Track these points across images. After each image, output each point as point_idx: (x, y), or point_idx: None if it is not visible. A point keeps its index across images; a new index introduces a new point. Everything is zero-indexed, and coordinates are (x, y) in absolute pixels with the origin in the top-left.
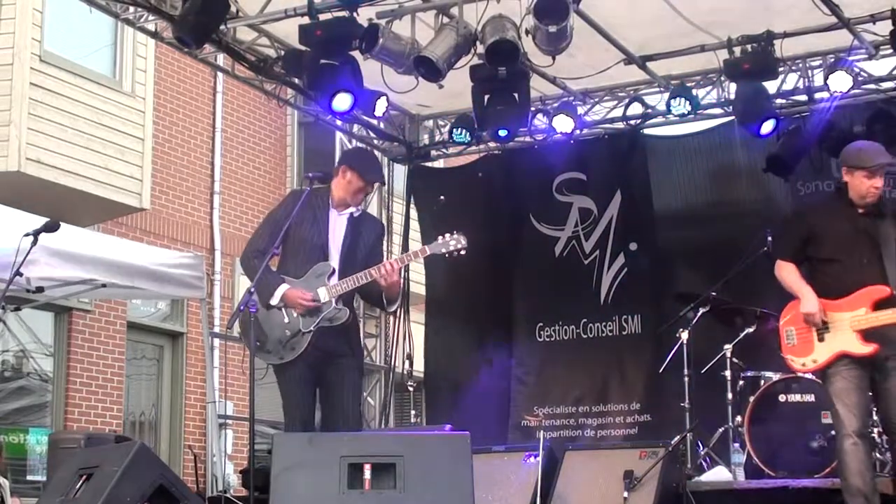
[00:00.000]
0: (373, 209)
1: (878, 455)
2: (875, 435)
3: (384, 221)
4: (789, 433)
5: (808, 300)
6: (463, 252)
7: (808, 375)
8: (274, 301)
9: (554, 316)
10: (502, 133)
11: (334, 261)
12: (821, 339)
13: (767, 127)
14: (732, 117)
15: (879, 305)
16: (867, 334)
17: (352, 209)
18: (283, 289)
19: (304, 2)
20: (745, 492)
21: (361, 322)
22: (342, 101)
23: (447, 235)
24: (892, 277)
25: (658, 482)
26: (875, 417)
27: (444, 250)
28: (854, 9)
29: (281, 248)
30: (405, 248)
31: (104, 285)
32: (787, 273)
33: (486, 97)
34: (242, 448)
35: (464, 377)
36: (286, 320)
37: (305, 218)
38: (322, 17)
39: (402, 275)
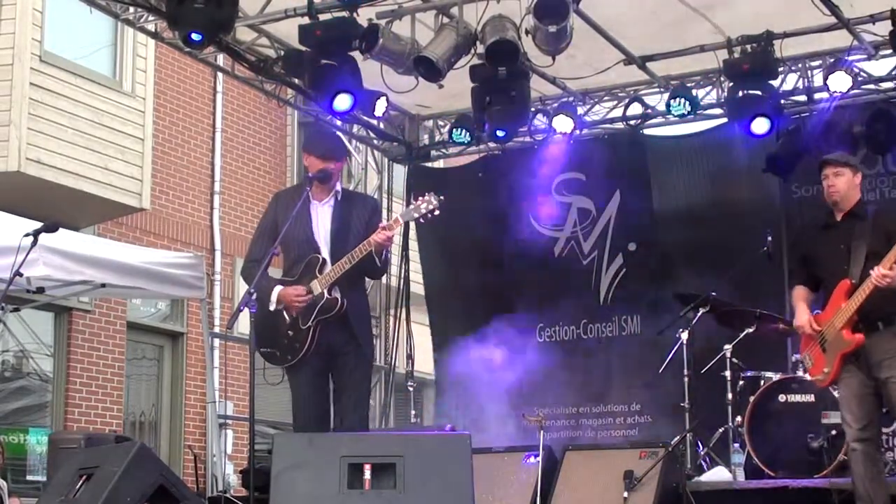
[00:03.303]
0: None
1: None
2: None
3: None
4: (789, 433)
5: (797, 315)
6: (437, 212)
7: (808, 376)
8: (272, 305)
9: (554, 316)
10: (500, 134)
11: (324, 251)
12: (824, 351)
13: (760, 126)
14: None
15: (849, 297)
16: (853, 327)
17: (334, 193)
18: (277, 290)
19: (304, 2)
20: (745, 492)
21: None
22: (342, 102)
23: (418, 199)
24: (853, 271)
25: (658, 482)
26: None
27: (416, 215)
28: (854, 9)
29: (281, 253)
30: (405, 247)
31: (104, 285)
32: (793, 294)
33: (486, 97)
34: (242, 448)
35: (464, 378)
36: (288, 321)
37: (289, 217)
38: (322, 17)
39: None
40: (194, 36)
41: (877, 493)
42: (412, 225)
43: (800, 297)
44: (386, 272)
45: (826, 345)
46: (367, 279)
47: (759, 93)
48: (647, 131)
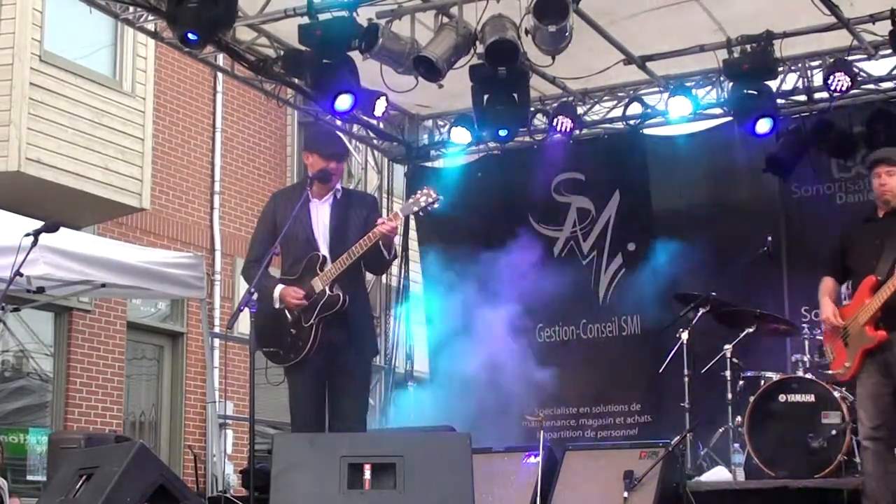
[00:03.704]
0: None
1: None
2: None
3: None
4: (789, 433)
5: (822, 309)
6: (436, 205)
7: (808, 375)
8: (276, 305)
9: (553, 317)
10: (502, 133)
11: (324, 249)
12: (846, 345)
13: (763, 126)
14: (731, 117)
15: (873, 293)
16: (875, 323)
17: (333, 192)
18: (278, 290)
19: (304, 2)
20: (745, 492)
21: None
22: (344, 102)
23: (417, 193)
24: (880, 268)
25: (658, 482)
26: None
27: (415, 208)
28: (854, 9)
29: (280, 252)
30: (405, 247)
31: (104, 285)
32: (820, 287)
33: (486, 97)
34: (242, 448)
35: (464, 378)
36: (290, 319)
37: (288, 216)
38: (322, 16)
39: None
40: (191, 35)
41: (882, 493)
42: (411, 224)
43: (826, 289)
44: (391, 266)
45: (848, 339)
46: (367, 276)
47: (758, 93)
48: (646, 131)
